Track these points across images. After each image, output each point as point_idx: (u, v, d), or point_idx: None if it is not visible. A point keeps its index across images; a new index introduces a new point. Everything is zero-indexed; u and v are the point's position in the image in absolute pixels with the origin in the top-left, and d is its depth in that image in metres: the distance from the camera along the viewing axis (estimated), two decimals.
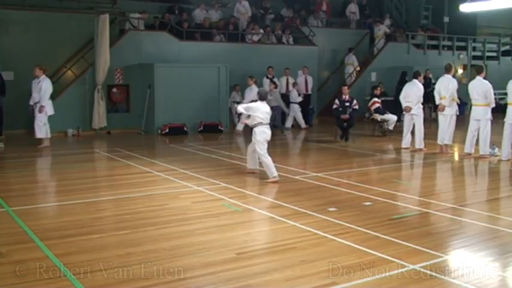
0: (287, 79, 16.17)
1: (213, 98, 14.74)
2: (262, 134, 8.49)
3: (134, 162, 9.86)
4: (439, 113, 11.17)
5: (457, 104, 11.16)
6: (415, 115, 11.59)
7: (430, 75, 17.57)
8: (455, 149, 11.58)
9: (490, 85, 10.32)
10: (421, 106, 11.77)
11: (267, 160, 8.40)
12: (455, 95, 10.92)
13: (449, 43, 21.48)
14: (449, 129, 10.93)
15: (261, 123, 8.52)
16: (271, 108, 12.65)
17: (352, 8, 20.58)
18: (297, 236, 5.56)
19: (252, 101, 10.36)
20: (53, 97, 12.00)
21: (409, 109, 11.62)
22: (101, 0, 15.20)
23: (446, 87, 10.85)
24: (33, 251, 5.04)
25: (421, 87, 11.69)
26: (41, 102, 11.49)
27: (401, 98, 11.79)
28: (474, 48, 22.58)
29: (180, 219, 6.18)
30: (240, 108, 9.04)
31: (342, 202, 6.99)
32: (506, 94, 10.55)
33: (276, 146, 9.18)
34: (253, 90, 13.64)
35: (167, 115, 14.16)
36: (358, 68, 19.10)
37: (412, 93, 11.58)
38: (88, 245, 5.24)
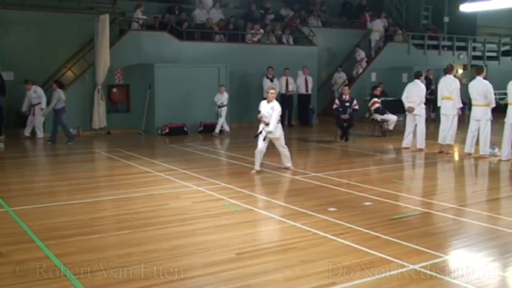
0: (287, 79, 16.18)
1: (213, 98, 14.71)
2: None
3: (134, 162, 9.86)
4: (441, 113, 11.16)
5: None
6: (418, 115, 11.60)
7: (431, 76, 17.58)
8: (456, 149, 11.58)
9: (490, 85, 10.33)
10: (424, 106, 11.78)
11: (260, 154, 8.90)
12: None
13: (449, 43, 21.46)
14: (451, 129, 10.93)
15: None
16: (58, 109, 12.26)
17: (362, 54, 19.01)
18: (297, 236, 5.56)
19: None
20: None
21: (412, 109, 11.63)
22: (100, 0, 15.20)
23: (448, 88, 10.86)
24: (33, 251, 5.04)
25: (423, 87, 11.74)
26: None
27: (404, 98, 11.80)
28: (474, 48, 22.55)
29: (180, 219, 6.18)
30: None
31: (342, 202, 6.99)
32: (506, 94, 10.56)
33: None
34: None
35: (167, 115, 14.16)
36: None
37: (414, 94, 11.58)
38: (88, 245, 5.24)
